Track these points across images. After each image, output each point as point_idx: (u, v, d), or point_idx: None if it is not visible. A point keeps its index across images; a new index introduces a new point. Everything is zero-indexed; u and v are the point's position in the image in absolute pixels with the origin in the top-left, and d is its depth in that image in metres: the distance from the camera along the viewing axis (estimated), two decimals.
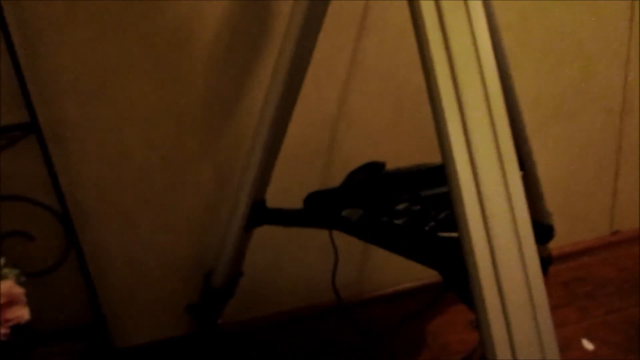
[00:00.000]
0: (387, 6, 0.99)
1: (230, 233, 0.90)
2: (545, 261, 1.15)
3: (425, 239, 0.70)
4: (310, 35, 0.77)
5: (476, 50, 0.54)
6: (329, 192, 0.83)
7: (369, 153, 1.07)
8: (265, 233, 0.98)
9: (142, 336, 1.12)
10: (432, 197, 0.77)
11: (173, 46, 0.92)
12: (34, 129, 0.88)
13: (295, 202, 0.88)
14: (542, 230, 1.03)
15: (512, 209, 0.54)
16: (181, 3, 0.90)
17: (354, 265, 1.18)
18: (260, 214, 0.90)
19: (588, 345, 1.04)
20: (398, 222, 0.73)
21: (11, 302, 0.81)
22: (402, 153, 1.10)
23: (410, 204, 0.76)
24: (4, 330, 0.79)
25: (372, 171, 0.80)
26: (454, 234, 0.70)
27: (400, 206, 0.76)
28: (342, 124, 1.05)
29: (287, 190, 1.03)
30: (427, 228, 0.71)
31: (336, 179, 0.86)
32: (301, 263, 1.15)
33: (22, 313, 0.82)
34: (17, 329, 0.82)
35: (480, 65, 0.54)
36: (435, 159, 0.84)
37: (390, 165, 0.84)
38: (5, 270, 0.85)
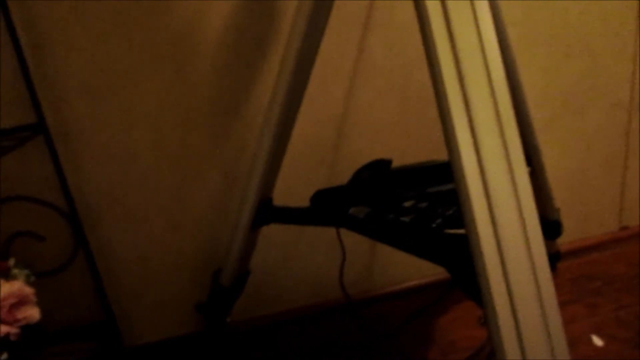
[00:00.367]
0: (392, 4, 0.99)
1: (237, 231, 0.91)
2: (554, 257, 1.14)
3: (432, 236, 0.70)
4: (316, 34, 0.77)
5: (482, 47, 0.54)
6: (336, 190, 0.83)
7: (375, 151, 1.07)
8: (272, 231, 0.99)
9: (151, 334, 1.12)
10: (438, 194, 0.77)
11: (179, 46, 0.93)
12: (42, 130, 0.89)
13: (302, 200, 0.88)
14: (550, 226, 1.03)
15: (519, 205, 0.54)
16: (187, 3, 0.90)
17: (361, 263, 1.18)
18: (268, 212, 0.90)
19: (598, 341, 1.03)
20: (405, 219, 0.73)
21: (21, 302, 0.82)
22: (408, 150, 1.09)
23: (417, 201, 0.76)
24: (14, 330, 0.80)
25: (378, 169, 0.80)
26: (461, 231, 0.70)
27: (407, 203, 0.76)
28: (348, 122, 1.05)
29: (293, 188, 1.04)
30: (434, 225, 0.70)
31: (343, 177, 0.86)
32: (309, 261, 1.15)
33: (32, 313, 0.82)
34: (28, 328, 0.82)
35: (486, 62, 0.54)
36: (442, 156, 0.84)
37: (396, 163, 0.84)
38: (15, 271, 0.85)
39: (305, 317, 1.17)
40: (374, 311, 1.17)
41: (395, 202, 0.76)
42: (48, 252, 0.99)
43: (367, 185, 0.80)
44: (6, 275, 0.84)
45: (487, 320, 0.54)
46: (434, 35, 0.53)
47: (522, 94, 0.89)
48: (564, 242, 1.22)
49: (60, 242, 0.99)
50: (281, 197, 0.95)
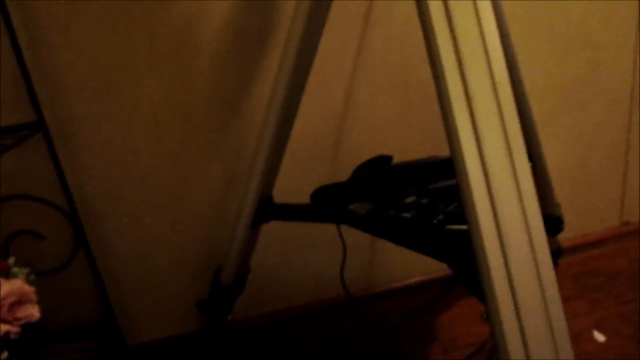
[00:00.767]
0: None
1: (238, 229, 0.90)
2: (555, 253, 1.14)
3: (434, 232, 0.69)
4: (315, 30, 0.77)
5: (483, 41, 0.53)
6: (337, 187, 0.82)
7: (376, 147, 1.07)
8: (273, 229, 0.98)
9: (152, 333, 1.12)
10: (440, 190, 0.76)
11: (179, 43, 0.92)
12: (41, 128, 0.88)
13: (302, 197, 0.88)
14: (551, 222, 1.03)
15: (521, 200, 0.53)
16: (186, 2, 0.90)
17: (363, 260, 1.18)
18: (268, 209, 0.90)
19: (599, 337, 1.03)
20: (406, 215, 0.73)
21: (21, 300, 0.81)
22: (409, 146, 1.09)
23: (418, 197, 0.76)
24: (14, 329, 0.80)
25: (379, 165, 0.80)
26: (463, 227, 0.70)
27: (408, 199, 0.75)
28: (349, 118, 1.05)
29: (294, 185, 1.03)
30: (435, 221, 0.70)
31: (343, 174, 0.86)
32: (310, 258, 1.15)
33: (32, 312, 0.82)
34: (28, 327, 0.82)
35: (488, 57, 0.53)
36: (443, 151, 0.83)
37: (397, 159, 0.84)
38: (15, 269, 0.85)
39: (306, 315, 1.17)
40: (375, 309, 1.17)
41: (397, 198, 0.76)
42: (48, 251, 0.99)
43: (368, 181, 0.79)
44: (6, 274, 0.84)
45: (490, 316, 0.53)
46: (435, 30, 0.53)
47: (523, 89, 0.89)
48: (565, 238, 1.22)
49: (60, 240, 0.99)
50: (282, 194, 0.95)
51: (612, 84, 1.18)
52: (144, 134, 0.97)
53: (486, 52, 0.53)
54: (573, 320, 1.08)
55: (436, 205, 0.73)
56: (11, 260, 0.86)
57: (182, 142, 0.99)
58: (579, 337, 1.03)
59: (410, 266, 1.21)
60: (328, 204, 0.82)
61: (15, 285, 0.81)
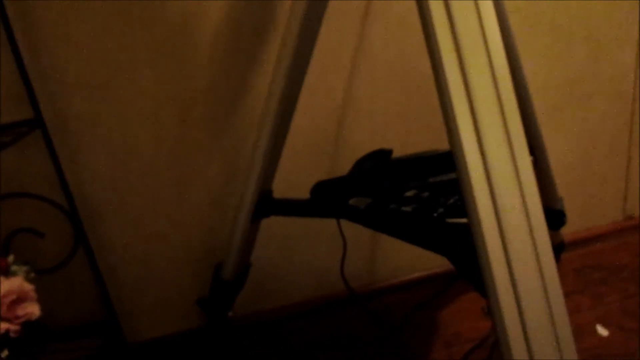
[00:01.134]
0: None
1: (238, 225, 0.90)
2: (558, 248, 1.13)
3: (435, 225, 0.69)
4: (313, 24, 0.76)
5: (483, 34, 0.53)
6: (336, 181, 0.82)
7: (375, 141, 1.06)
8: (273, 224, 0.98)
9: (153, 330, 1.12)
10: (440, 183, 0.76)
11: (177, 39, 0.92)
12: (39, 125, 0.88)
13: (302, 192, 0.87)
14: (554, 216, 1.02)
15: (522, 194, 0.53)
16: None
17: (364, 255, 1.17)
18: (268, 204, 0.90)
19: (603, 331, 1.02)
20: (407, 209, 0.72)
21: (21, 298, 0.81)
22: (409, 140, 1.08)
23: (419, 190, 0.75)
24: (14, 327, 0.79)
25: (379, 159, 0.79)
26: (464, 220, 0.69)
27: (409, 193, 0.75)
28: (348, 112, 1.04)
29: (294, 180, 1.03)
30: (436, 215, 0.70)
31: (343, 168, 0.85)
32: (310, 254, 1.14)
33: (32, 310, 0.82)
34: (28, 325, 0.82)
35: (488, 50, 0.53)
36: (443, 145, 0.83)
37: (397, 153, 0.83)
38: (15, 267, 0.85)
39: (307, 311, 1.16)
40: (376, 304, 1.16)
41: (397, 192, 0.75)
42: (48, 249, 0.99)
43: (367, 175, 0.79)
44: (6, 272, 0.84)
45: (491, 310, 0.53)
46: (434, 21, 0.52)
47: (525, 82, 0.88)
48: (567, 232, 1.21)
49: (60, 238, 0.99)
50: (281, 189, 0.94)
51: (614, 77, 1.17)
52: (142, 130, 0.96)
53: (486, 44, 0.53)
54: (576, 314, 1.07)
55: (437, 198, 0.73)
56: (11, 258, 0.86)
57: (181, 138, 0.98)
58: (582, 332, 1.02)
59: (412, 261, 1.21)
60: (328, 198, 0.82)
61: (15, 283, 0.81)
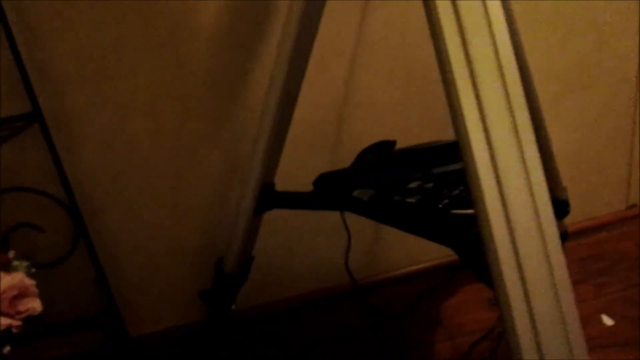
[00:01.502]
0: None
1: (240, 218, 0.89)
2: (561, 237, 1.12)
3: (439, 216, 0.68)
4: (314, 14, 0.75)
5: (488, 20, 0.52)
6: (339, 173, 0.81)
7: (378, 132, 1.06)
8: (275, 217, 0.97)
9: (155, 324, 1.12)
10: (444, 174, 0.75)
11: (176, 31, 0.91)
12: (37, 118, 0.87)
13: (304, 185, 0.86)
14: (557, 206, 1.01)
15: (530, 184, 0.52)
16: None
17: (366, 247, 1.17)
18: (270, 197, 0.89)
19: (608, 321, 1.02)
20: (411, 200, 0.71)
21: (23, 294, 0.81)
22: (411, 131, 1.08)
23: (423, 182, 0.74)
24: (16, 323, 0.79)
25: (382, 150, 0.79)
26: (469, 211, 0.69)
27: (413, 185, 0.74)
28: (350, 103, 1.03)
29: (296, 173, 1.02)
30: (440, 206, 0.69)
31: (345, 160, 0.85)
32: (313, 246, 1.14)
33: (34, 305, 0.82)
34: (30, 320, 0.81)
35: (493, 37, 0.52)
36: (446, 136, 0.82)
37: (400, 144, 0.82)
38: (16, 263, 0.84)
39: (310, 303, 1.16)
40: (379, 296, 1.16)
41: (400, 183, 0.75)
42: (48, 243, 0.98)
43: (371, 167, 0.78)
44: (7, 267, 0.83)
45: (498, 301, 0.52)
46: (437, 8, 0.51)
47: (528, 69, 0.87)
48: (570, 222, 1.21)
49: (60, 233, 0.98)
50: (283, 182, 0.93)
51: (617, 65, 1.16)
52: (141, 122, 0.95)
53: (492, 31, 0.52)
54: (579, 304, 1.06)
55: (441, 189, 0.72)
56: (11, 253, 0.85)
57: (181, 131, 0.98)
58: (586, 321, 1.01)
59: (414, 253, 1.20)
60: (331, 191, 0.81)
61: (16, 278, 0.81)
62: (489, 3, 0.52)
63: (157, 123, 0.96)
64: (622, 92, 1.20)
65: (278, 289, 1.16)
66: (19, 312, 0.80)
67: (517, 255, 0.51)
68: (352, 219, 0.92)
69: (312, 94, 0.99)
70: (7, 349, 0.78)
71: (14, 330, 0.79)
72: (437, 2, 0.50)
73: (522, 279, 0.51)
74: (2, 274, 0.80)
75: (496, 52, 0.52)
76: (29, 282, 0.82)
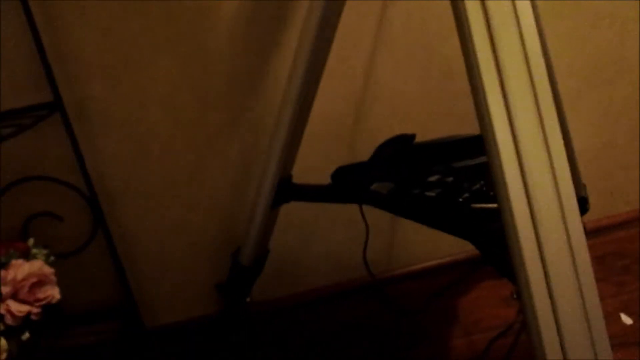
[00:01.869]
0: None
1: (257, 210, 0.89)
2: None
3: (460, 210, 0.67)
4: (335, 7, 0.75)
5: (516, 13, 0.51)
6: (358, 166, 0.81)
7: (396, 126, 1.05)
8: (292, 210, 0.97)
9: (171, 315, 1.12)
10: (464, 168, 0.74)
11: (195, 21, 0.91)
12: (58, 107, 0.88)
13: (321, 178, 0.86)
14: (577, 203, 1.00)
15: (555, 179, 0.51)
16: None
17: (382, 242, 1.16)
18: (287, 190, 0.89)
19: (627, 319, 1.01)
20: (431, 194, 0.71)
21: (41, 281, 0.81)
22: (430, 126, 1.07)
23: (442, 176, 0.74)
24: (35, 310, 0.79)
25: (401, 144, 0.78)
26: (489, 205, 0.68)
27: (432, 178, 0.74)
28: (369, 97, 1.02)
29: (313, 166, 1.02)
30: (461, 200, 0.68)
31: (363, 154, 0.84)
32: (329, 240, 1.13)
33: (53, 293, 0.82)
34: (49, 309, 0.82)
35: (520, 31, 0.51)
36: (466, 130, 0.81)
37: (419, 138, 0.82)
38: (35, 251, 0.85)
39: (325, 297, 1.16)
40: (396, 290, 1.16)
41: (420, 177, 0.74)
42: (67, 232, 0.99)
43: (390, 160, 0.77)
44: (26, 255, 0.84)
45: (520, 295, 0.52)
46: (466, 5, 0.50)
47: (551, 65, 0.86)
48: (589, 220, 1.19)
49: (78, 222, 0.99)
50: (300, 175, 0.93)
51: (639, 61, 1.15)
52: (160, 114, 0.95)
53: (519, 26, 0.51)
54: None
55: (461, 183, 0.71)
56: (31, 241, 0.86)
57: (200, 122, 0.98)
58: (605, 320, 1.01)
59: (431, 248, 1.19)
60: (349, 184, 0.81)
61: (35, 266, 0.81)
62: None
63: (176, 114, 0.96)
64: None
65: (293, 282, 1.16)
66: (38, 300, 0.80)
67: (541, 250, 0.50)
68: (369, 213, 0.92)
69: (331, 87, 0.98)
70: (26, 335, 0.79)
71: (33, 318, 0.80)
72: (467, 6, 0.50)
73: (546, 274, 0.50)
74: (22, 261, 0.81)
75: (523, 45, 0.51)
76: (48, 270, 0.83)
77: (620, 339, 0.97)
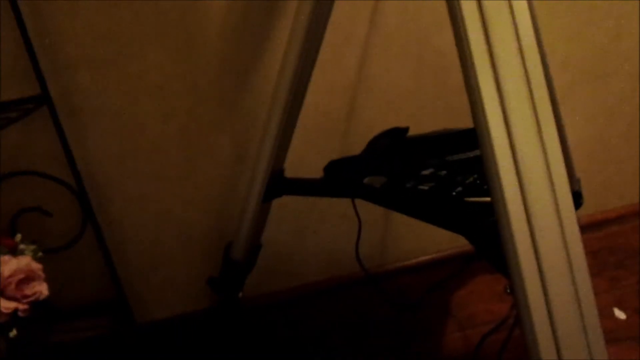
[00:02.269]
0: None
1: (249, 204, 0.88)
2: None
3: (453, 204, 0.67)
4: (326, 2, 0.74)
5: (510, 6, 0.50)
6: (351, 160, 0.80)
7: (390, 119, 1.04)
8: (285, 204, 0.96)
9: (162, 311, 1.11)
10: (458, 162, 0.74)
11: (186, 13, 0.89)
12: (46, 101, 0.86)
13: (314, 172, 0.85)
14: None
15: (549, 172, 0.51)
16: None
17: (376, 236, 1.16)
18: (279, 184, 0.88)
19: (620, 314, 1.01)
20: (424, 187, 0.70)
21: (29, 277, 0.80)
22: (423, 119, 1.06)
23: (436, 169, 0.73)
24: (23, 307, 0.78)
25: (395, 137, 0.77)
26: (482, 199, 0.67)
27: (426, 172, 0.73)
28: (362, 90, 1.02)
29: (305, 159, 1.01)
30: (454, 193, 0.68)
31: (356, 147, 0.83)
32: (322, 235, 1.13)
33: (41, 289, 0.81)
34: (37, 305, 0.81)
35: (515, 23, 0.50)
36: (459, 123, 0.81)
37: (412, 132, 0.81)
38: (23, 246, 0.84)
39: (318, 292, 1.15)
40: (389, 285, 1.15)
41: (413, 170, 0.73)
42: (56, 228, 0.98)
43: (383, 154, 0.77)
44: (14, 251, 0.83)
45: (514, 290, 0.51)
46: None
47: (545, 59, 0.86)
48: (583, 214, 1.19)
49: (67, 217, 0.97)
50: (293, 168, 0.92)
51: (634, 55, 1.14)
52: (150, 106, 0.94)
53: (513, 17, 0.50)
54: None
55: (454, 177, 0.71)
56: (18, 237, 0.85)
57: (190, 115, 0.96)
58: (599, 315, 1.01)
59: (424, 243, 1.19)
60: (342, 177, 0.80)
61: (23, 262, 0.80)
62: None
63: (166, 107, 0.95)
64: (638, 83, 1.18)
65: (286, 277, 1.15)
66: (26, 296, 0.79)
67: (535, 244, 0.50)
68: (362, 207, 0.91)
69: (324, 80, 0.97)
70: (13, 332, 0.78)
71: (21, 314, 0.78)
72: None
73: (540, 268, 0.50)
74: (9, 257, 0.80)
75: (518, 38, 0.50)
76: (36, 265, 0.81)
77: (613, 333, 0.97)
